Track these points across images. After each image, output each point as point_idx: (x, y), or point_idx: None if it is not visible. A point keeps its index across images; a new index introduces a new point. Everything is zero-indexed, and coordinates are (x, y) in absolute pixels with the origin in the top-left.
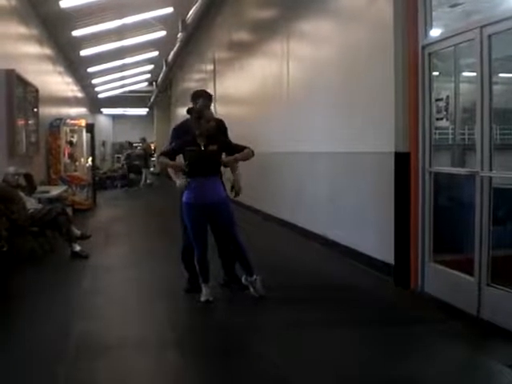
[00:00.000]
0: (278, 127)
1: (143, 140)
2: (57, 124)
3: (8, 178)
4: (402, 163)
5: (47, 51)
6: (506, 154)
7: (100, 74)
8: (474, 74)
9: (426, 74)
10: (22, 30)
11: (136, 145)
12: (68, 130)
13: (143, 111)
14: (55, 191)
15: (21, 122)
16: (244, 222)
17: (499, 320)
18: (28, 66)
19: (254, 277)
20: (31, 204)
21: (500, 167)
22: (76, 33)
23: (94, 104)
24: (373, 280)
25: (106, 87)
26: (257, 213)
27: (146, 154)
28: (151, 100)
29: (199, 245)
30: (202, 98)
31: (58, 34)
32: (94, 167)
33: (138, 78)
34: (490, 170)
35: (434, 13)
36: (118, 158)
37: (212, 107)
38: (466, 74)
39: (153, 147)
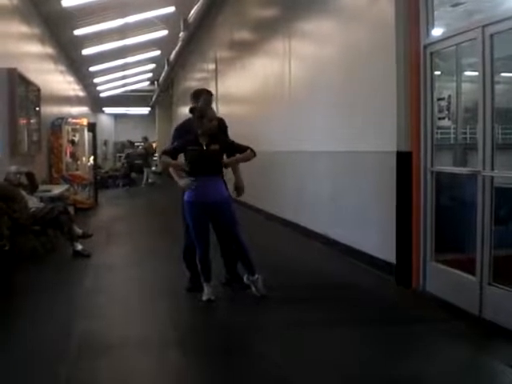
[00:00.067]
0: (280, 126)
1: (145, 139)
2: (58, 123)
3: (10, 176)
4: (404, 162)
5: (49, 50)
6: (507, 153)
7: (102, 73)
8: (476, 73)
9: (428, 74)
10: (23, 28)
11: (138, 144)
12: (70, 129)
13: (145, 110)
14: (57, 190)
15: (23, 121)
16: (246, 221)
17: (501, 320)
18: (30, 65)
19: (256, 276)
20: (33, 203)
21: (502, 167)
22: (78, 32)
23: (96, 103)
24: (374, 279)
25: (107, 86)
26: (259, 212)
27: (148, 153)
28: (153, 99)
29: (201, 244)
30: (203, 96)
31: (59, 33)
32: (95, 166)
33: (139, 78)
34: (492, 169)
35: (435, 12)
36: (120, 157)
37: (214, 106)
38: (467, 73)
39: (154, 146)
